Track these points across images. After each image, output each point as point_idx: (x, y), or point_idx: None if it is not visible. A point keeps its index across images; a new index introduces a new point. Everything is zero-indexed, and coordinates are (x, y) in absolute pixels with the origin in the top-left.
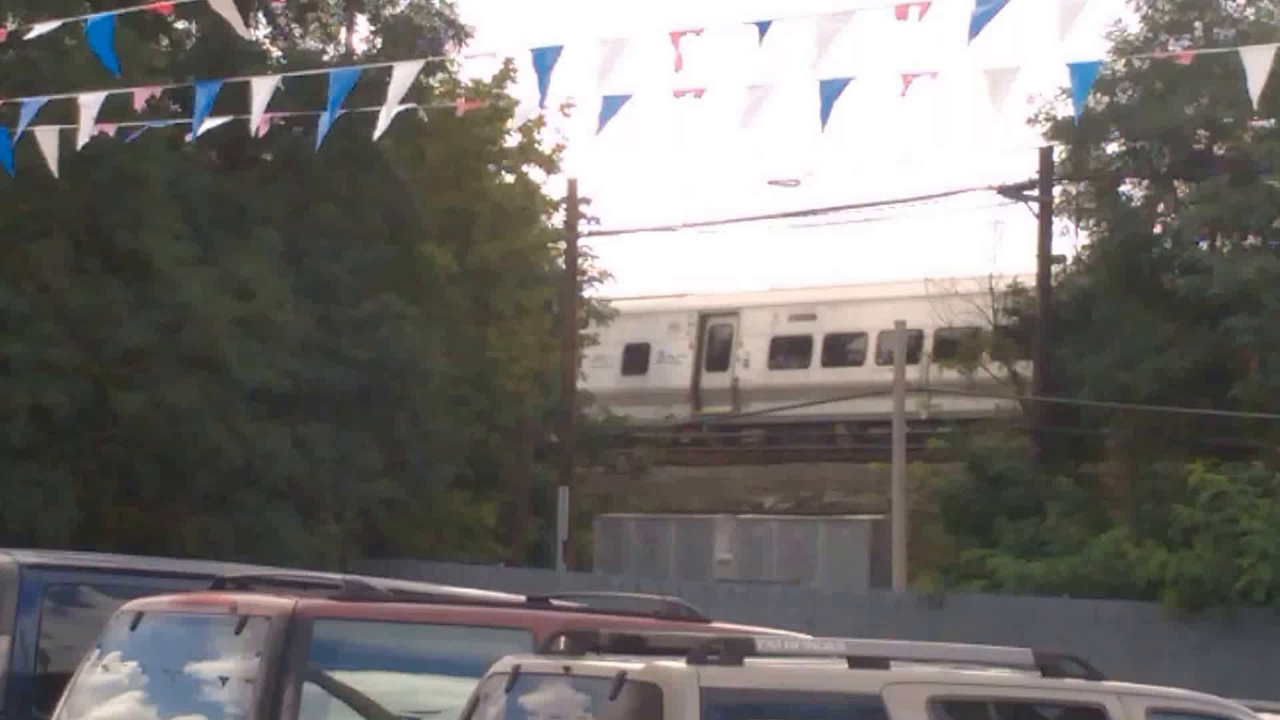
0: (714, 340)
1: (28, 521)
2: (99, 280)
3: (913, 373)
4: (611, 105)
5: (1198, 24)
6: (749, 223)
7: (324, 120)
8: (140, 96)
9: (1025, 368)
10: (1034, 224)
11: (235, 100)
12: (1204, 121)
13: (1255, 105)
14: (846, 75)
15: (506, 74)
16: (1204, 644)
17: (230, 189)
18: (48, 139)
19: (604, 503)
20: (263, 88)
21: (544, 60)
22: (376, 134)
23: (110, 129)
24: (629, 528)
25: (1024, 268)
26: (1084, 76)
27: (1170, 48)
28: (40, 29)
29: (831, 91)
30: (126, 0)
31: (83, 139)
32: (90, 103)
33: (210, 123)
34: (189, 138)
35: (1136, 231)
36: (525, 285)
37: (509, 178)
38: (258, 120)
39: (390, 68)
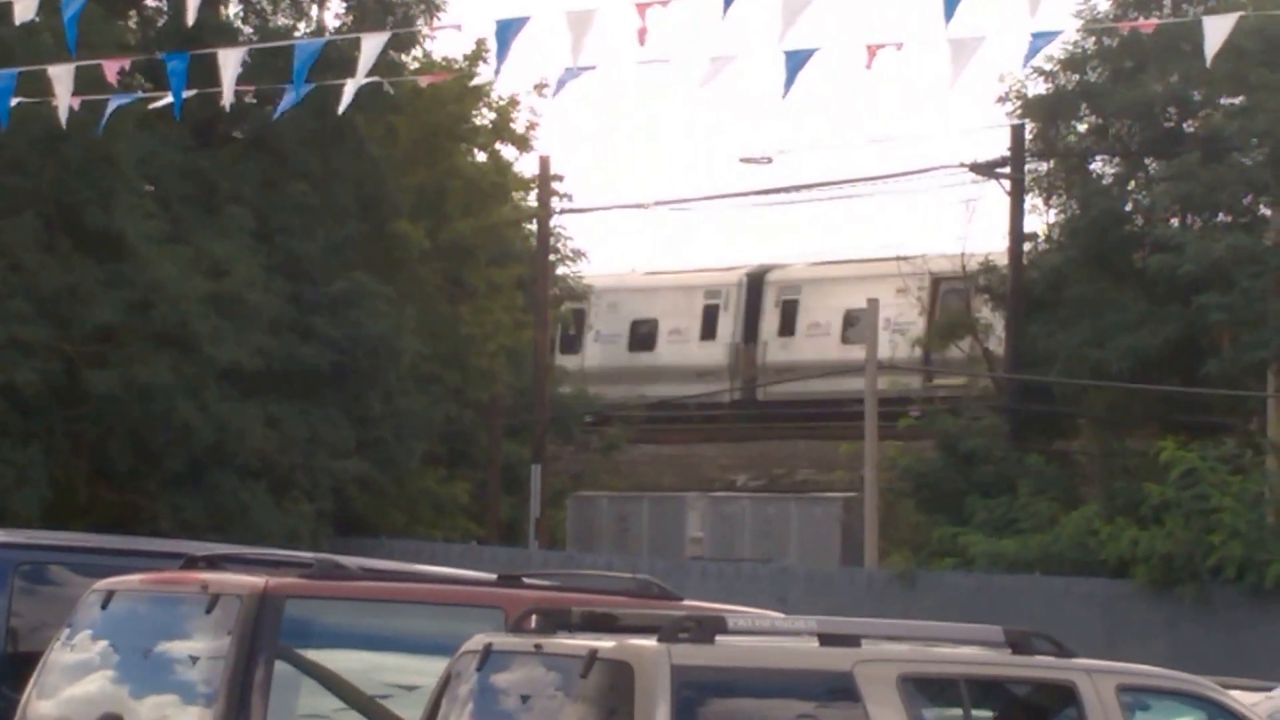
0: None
1: None
2: (70, 258)
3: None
4: (574, 73)
5: (1167, 1)
6: (721, 200)
7: (290, 93)
8: (109, 69)
9: (997, 345)
10: (1006, 202)
11: (206, 78)
12: (1174, 99)
13: (1209, 64)
14: (812, 47)
15: (479, 54)
16: (1175, 621)
17: (201, 167)
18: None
19: (576, 481)
20: (230, 59)
21: (506, 32)
22: (342, 107)
23: (79, 104)
24: (601, 506)
25: (996, 246)
26: (1042, 42)
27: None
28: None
29: (796, 62)
30: None
31: (63, 112)
32: (62, 75)
33: (184, 94)
34: (175, 115)
35: (1108, 209)
36: (498, 263)
37: (481, 155)
38: (228, 92)
39: (358, 41)
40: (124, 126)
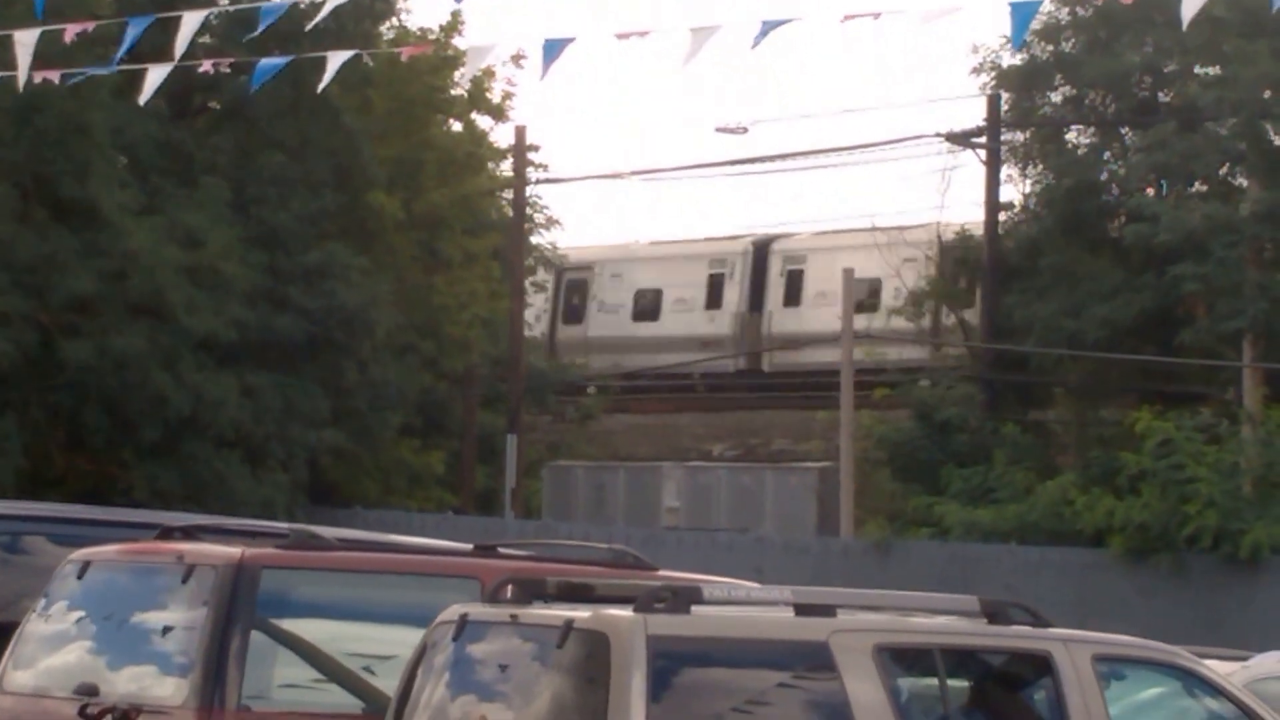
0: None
1: None
2: (45, 228)
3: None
4: (553, 49)
5: None
6: (697, 170)
7: (265, 65)
8: (70, 31)
9: (973, 315)
10: (982, 171)
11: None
12: (1149, 69)
13: (1185, 27)
14: (789, 16)
15: (455, 25)
16: (1151, 591)
17: (176, 137)
18: None
19: (552, 451)
20: (193, 19)
21: None
22: (322, 84)
23: (54, 75)
24: (577, 475)
25: (971, 216)
26: (1024, 15)
27: None
28: None
29: (770, 26)
30: None
31: (22, 77)
32: (26, 40)
33: (159, 70)
34: (142, 89)
35: (1083, 179)
36: (473, 233)
37: (457, 126)
38: (183, 43)
39: (326, 4)
40: (99, 97)
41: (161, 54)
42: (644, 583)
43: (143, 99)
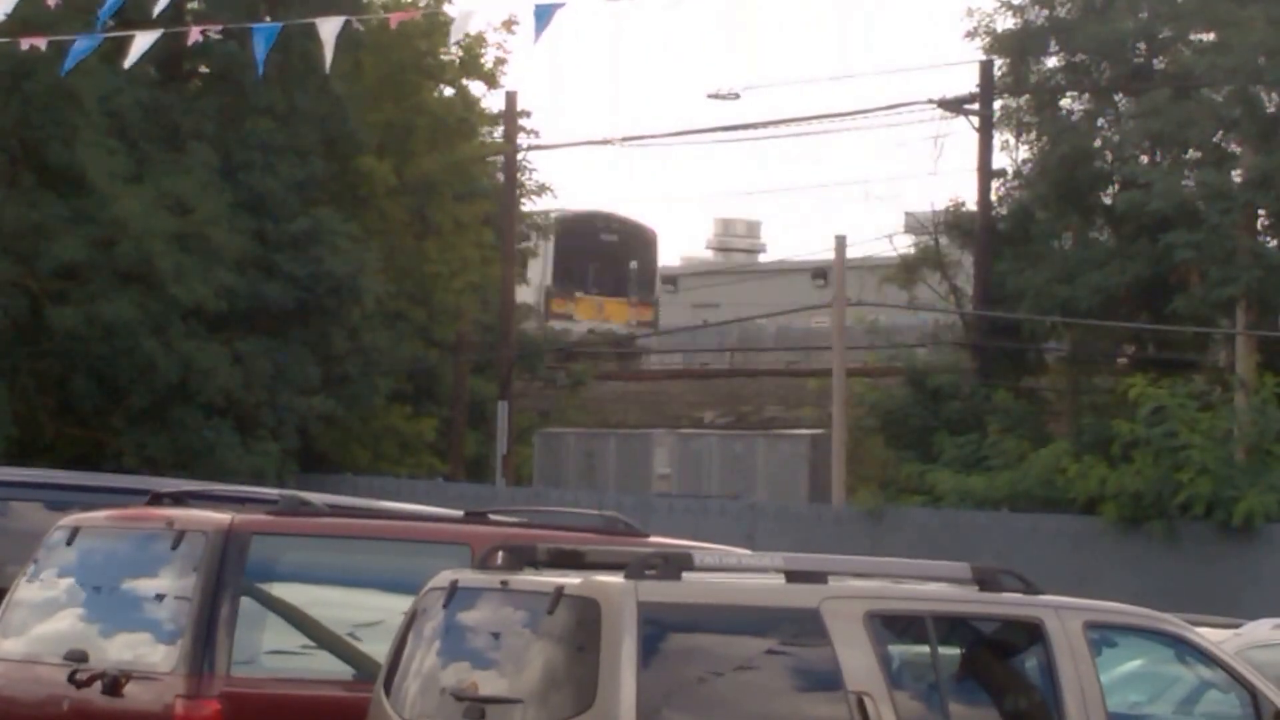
0: None
1: None
2: (33, 195)
3: None
4: (544, 13)
5: None
6: (689, 136)
7: (259, 34)
8: None
9: (966, 282)
10: (974, 138)
11: (169, 17)
12: (1143, 35)
13: None
14: None
15: None
16: (1143, 558)
17: (165, 103)
18: None
19: (543, 417)
20: None
21: None
22: (327, 66)
23: (42, 42)
24: (568, 442)
25: (965, 184)
26: None
27: None
28: None
29: None
30: None
31: None
32: (4, 6)
33: (147, 36)
34: (128, 55)
35: (1077, 145)
36: (464, 199)
37: (449, 91)
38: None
39: None
40: (87, 63)
41: (150, 19)
42: (635, 549)
43: (128, 63)
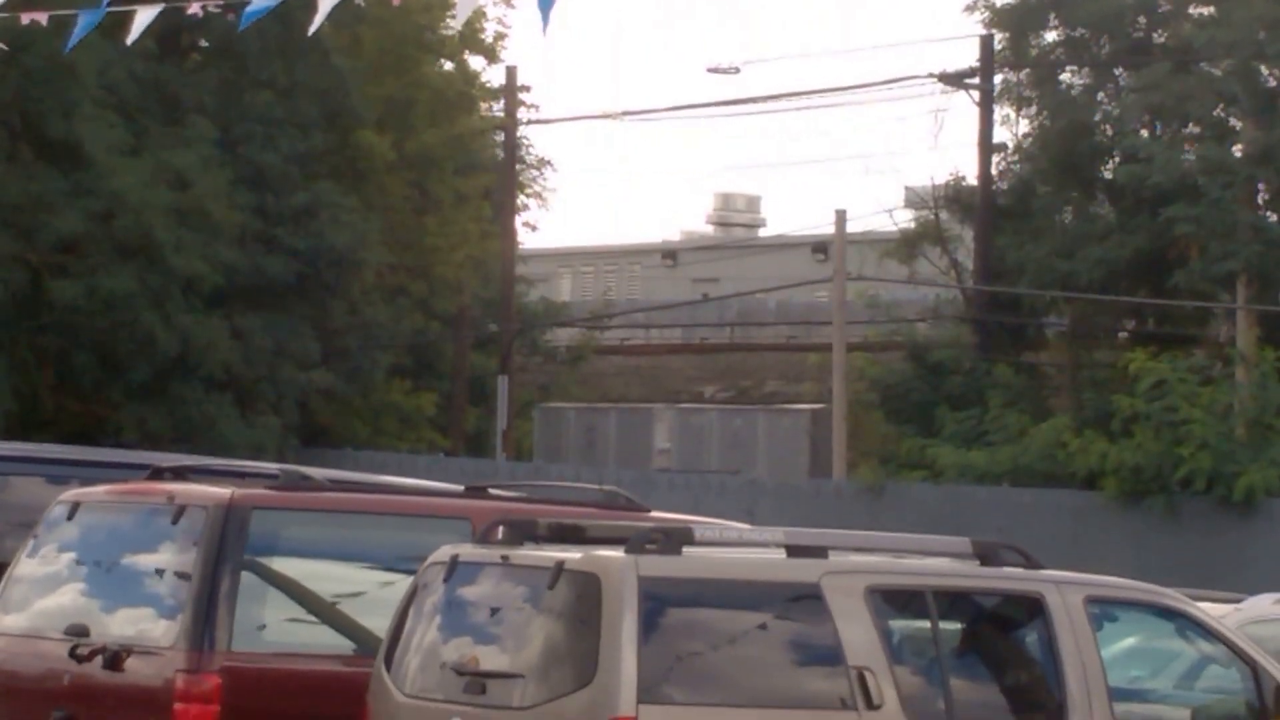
0: None
1: None
2: (33, 168)
3: None
4: (548, 4)
5: None
6: (689, 110)
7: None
8: None
9: (966, 256)
10: (975, 113)
11: None
12: (1143, 9)
13: None
14: None
15: None
16: (1144, 533)
17: (164, 77)
18: None
19: (544, 392)
20: None
21: None
22: (312, 27)
23: (43, 17)
24: (569, 417)
25: (965, 158)
26: None
27: None
28: None
29: None
30: None
31: None
32: None
33: (149, 10)
34: (129, 39)
35: (1077, 120)
36: (464, 173)
37: (449, 65)
38: None
39: None
40: (86, 37)
41: None
42: (635, 524)
43: (130, 39)
